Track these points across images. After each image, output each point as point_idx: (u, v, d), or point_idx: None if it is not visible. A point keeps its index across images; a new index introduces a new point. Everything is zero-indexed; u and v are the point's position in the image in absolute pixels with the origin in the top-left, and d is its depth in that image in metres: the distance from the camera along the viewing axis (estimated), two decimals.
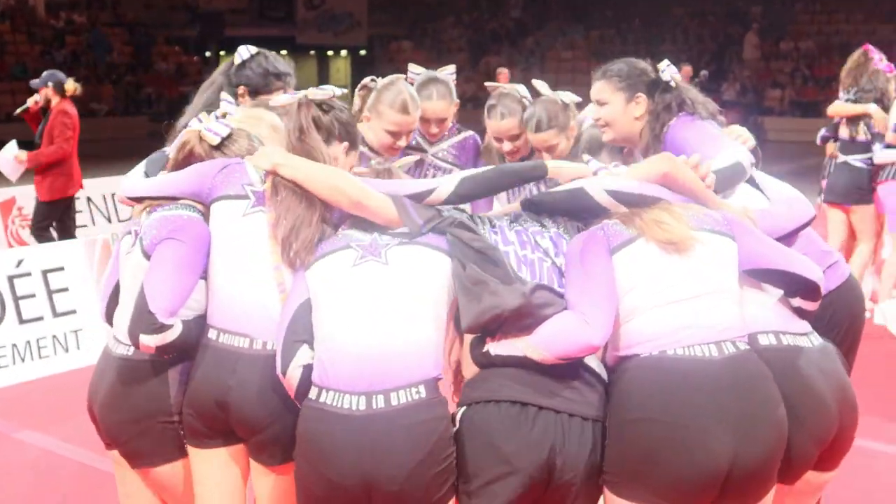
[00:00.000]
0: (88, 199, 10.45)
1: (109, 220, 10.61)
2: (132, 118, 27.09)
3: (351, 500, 2.73)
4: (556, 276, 2.89)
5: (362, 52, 37.39)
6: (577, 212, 3.00)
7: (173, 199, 3.13)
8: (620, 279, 2.80)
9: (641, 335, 2.78)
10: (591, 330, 2.71)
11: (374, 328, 2.79)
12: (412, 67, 4.53)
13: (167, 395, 3.06)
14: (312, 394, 2.80)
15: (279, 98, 3.26)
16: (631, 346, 2.80)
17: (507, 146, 4.27)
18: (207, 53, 34.14)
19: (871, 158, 7.48)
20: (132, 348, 3.05)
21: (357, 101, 4.35)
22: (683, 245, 2.81)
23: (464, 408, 2.83)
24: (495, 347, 2.81)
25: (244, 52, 3.96)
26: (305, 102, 3.12)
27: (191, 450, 3.08)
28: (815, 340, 2.98)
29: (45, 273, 6.92)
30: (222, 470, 3.07)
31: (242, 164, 3.11)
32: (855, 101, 7.51)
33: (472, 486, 2.75)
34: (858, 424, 3.00)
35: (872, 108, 7.36)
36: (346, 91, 3.22)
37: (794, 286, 2.93)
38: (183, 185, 3.13)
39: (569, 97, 4.11)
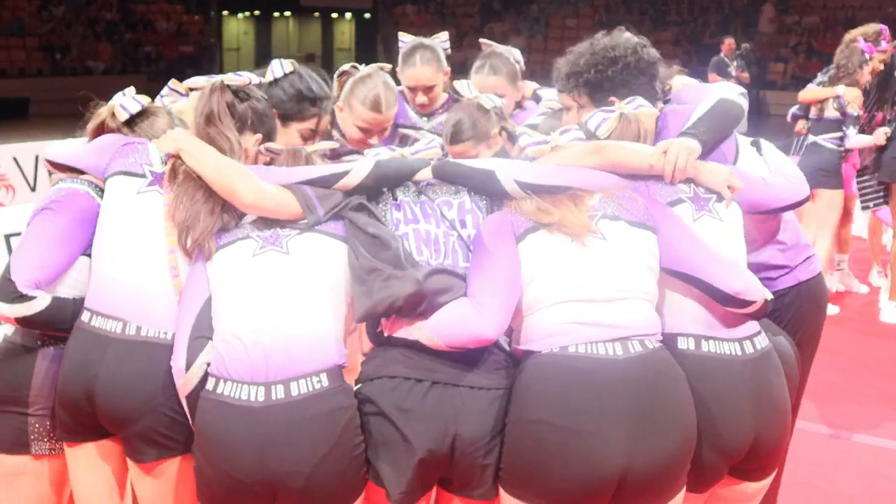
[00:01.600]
0: None
1: None
2: (130, 77, 26.89)
3: (254, 496, 2.61)
4: (462, 250, 2.82)
5: (367, 16, 37.10)
6: (484, 192, 2.90)
7: (79, 172, 3.00)
8: (525, 269, 2.70)
9: (544, 330, 2.68)
10: (483, 322, 2.62)
11: (272, 317, 2.68)
12: (402, 36, 4.29)
13: (26, 387, 2.91)
14: (210, 384, 2.68)
15: (194, 79, 3.06)
16: (533, 340, 2.70)
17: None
18: (211, 13, 33.88)
19: (840, 139, 7.20)
20: (12, 327, 2.91)
21: (335, 86, 4.13)
22: (579, 231, 2.70)
23: (360, 384, 2.77)
24: (390, 330, 2.73)
25: (277, 68, 3.45)
26: (220, 87, 2.95)
27: (66, 447, 2.93)
28: (751, 347, 2.82)
29: (7, 237, 6.75)
30: (93, 468, 2.91)
31: (145, 145, 2.97)
32: (828, 81, 7.23)
33: (375, 460, 2.70)
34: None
35: (841, 90, 7.07)
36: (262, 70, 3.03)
37: (713, 294, 2.77)
38: (84, 158, 3.00)
39: (490, 101, 3.59)
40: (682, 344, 2.78)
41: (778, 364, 2.88)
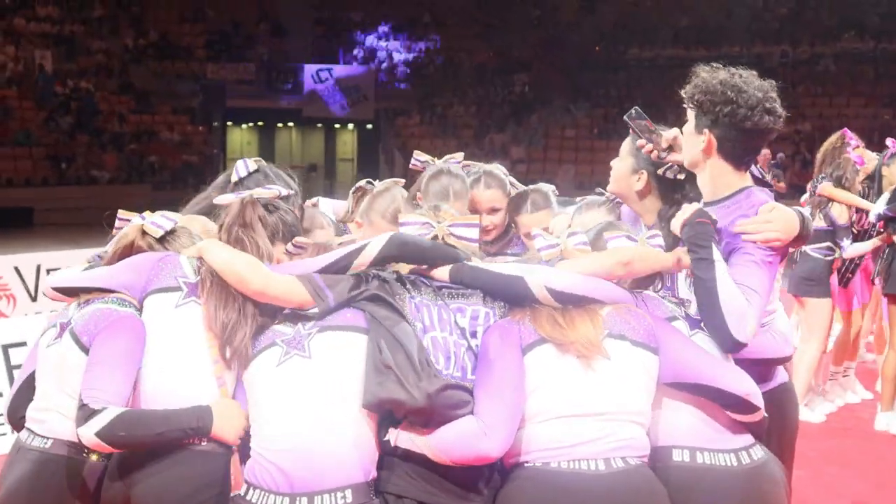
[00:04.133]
0: None
1: None
2: (134, 186, 27.12)
3: None
4: (471, 360, 2.85)
5: (369, 126, 37.63)
6: (508, 298, 2.92)
7: (106, 291, 3.03)
8: (528, 380, 2.74)
9: (534, 444, 2.73)
10: (489, 443, 2.66)
11: (300, 429, 2.74)
12: (417, 154, 4.30)
13: (73, 498, 2.96)
14: (242, 489, 2.76)
15: (223, 197, 3.16)
16: (522, 453, 2.74)
17: (485, 220, 4.10)
18: (215, 123, 34.36)
19: (829, 248, 7.24)
20: (49, 441, 2.98)
21: (350, 201, 4.19)
22: (588, 351, 2.74)
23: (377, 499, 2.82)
24: (396, 440, 2.77)
25: (241, 167, 3.64)
26: (251, 201, 3.05)
27: None
28: (747, 457, 2.86)
29: (5, 348, 6.79)
30: None
31: (177, 257, 3.04)
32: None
33: None
34: None
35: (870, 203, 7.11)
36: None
37: (722, 400, 2.81)
38: (117, 278, 3.04)
39: (549, 187, 4.04)
40: (678, 456, 2.81)
41: (774, 474, 2.90)
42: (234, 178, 3.65)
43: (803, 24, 31.87)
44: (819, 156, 7.42)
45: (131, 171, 28.50)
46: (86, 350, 2.92)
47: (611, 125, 31.30)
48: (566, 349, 2.74)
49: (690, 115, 3.26)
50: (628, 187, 3.53)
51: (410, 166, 4.25)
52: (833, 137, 7.42)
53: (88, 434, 2.76)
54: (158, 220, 3.17)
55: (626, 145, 3.56)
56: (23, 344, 6.85)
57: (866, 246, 7.23)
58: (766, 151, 15.86)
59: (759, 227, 3.04)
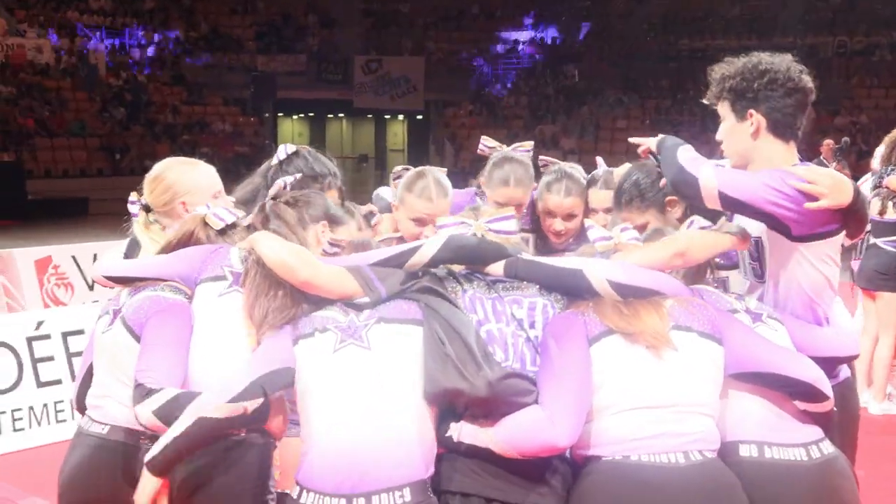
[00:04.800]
0: None
1: None
2: None
3: None
4: (530, 351, 2.78)
5: (419, 117, 37.68)
6: (567, 291, 2.87)
7: (158, 280, 3.07)
8: (595, 372, 2.70)
9: (607, 437, 2.68)
10: (556, 431, 2.60)
11: (358, 425, 2.66)
12: (485, 140, 4.31)
13: (127, 484, 2.92)
14: (295, 492, 2.69)
15: (249, 217, 3.20)
16: (596, 446, 2.69)
17: (558, 224, 4.08)
18: (266, 114, 34.58)
19: None
20: (106, 427, 3.01)
21: (392, 188, 4.26)
22: (656, 342, 2.70)
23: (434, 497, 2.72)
24: (459, 435, 2.70)
25: (282, 151, 3.75)
26: (273, 205, 3.08)
27: None
28: (817, 452, 2.80)
29: (64, 335, 6.88)
30: None
31: (228, 249, 3.06)
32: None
33: None
34: None
35: None
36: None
37: (790, 388, 2.78)
38: (172, 268, 3.07)
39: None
40: (745, 451, 2.76)
41: (845, 468, 2.85)
42: (274, 162, 3.75)
43: (858, 14, 31.41)
44: (886, 146, 7.24)
45: None
46: (136, 337, 2.95)
47: (663, 116, 31.07)
48: (634, 339, 2.71)
49: (725, 109, 3.21)
50: (671, 222, 3.47)
51: (478, 151, 4.27)
52: None
53: (146, 413, 2.76)
54: (221, 213, 3.19)
55: (635, 209, 3.55)
56: (81, 332, 6.93)
57: None
58: (829, 141, 15.57)
59: (810, 177, 2.97)
